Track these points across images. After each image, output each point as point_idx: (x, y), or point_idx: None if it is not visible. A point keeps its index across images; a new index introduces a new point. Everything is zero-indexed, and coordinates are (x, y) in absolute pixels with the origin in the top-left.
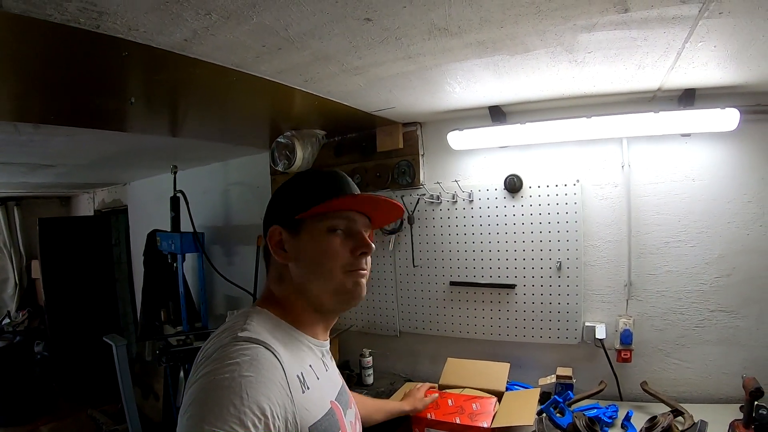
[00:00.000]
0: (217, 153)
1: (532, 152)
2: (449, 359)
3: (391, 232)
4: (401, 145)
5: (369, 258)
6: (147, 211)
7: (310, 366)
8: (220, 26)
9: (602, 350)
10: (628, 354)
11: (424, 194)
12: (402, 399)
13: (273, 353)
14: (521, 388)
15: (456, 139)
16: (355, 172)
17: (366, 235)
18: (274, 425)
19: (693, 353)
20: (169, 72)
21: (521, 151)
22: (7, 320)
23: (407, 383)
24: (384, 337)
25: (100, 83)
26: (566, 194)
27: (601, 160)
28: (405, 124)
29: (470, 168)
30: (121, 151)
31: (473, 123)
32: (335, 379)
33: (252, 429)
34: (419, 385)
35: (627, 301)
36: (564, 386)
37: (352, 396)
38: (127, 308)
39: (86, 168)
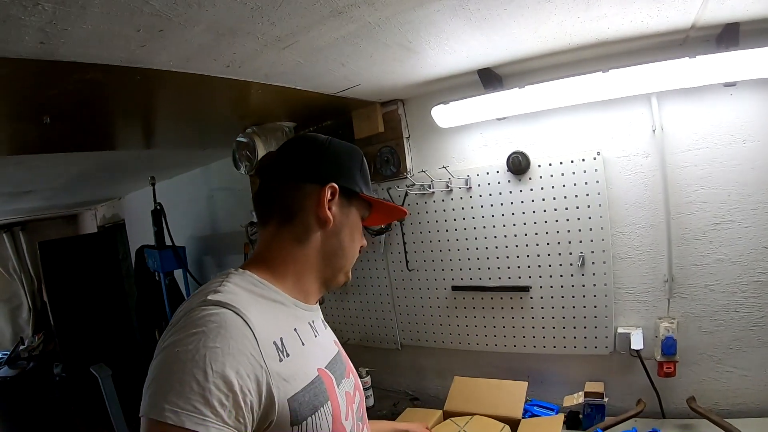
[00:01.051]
0: (196, 158)
1: (539, 123)
2: (456, 378)
3: (379, 233)
4: (382, 129)
5: None
6: (141, 224)
7: (295, 330)
8: (64, 17)
9: (639, 362)
10: (672, 367)
11: (413, 184)
12: None
13: (243, 319)
14: (543, 409)
15: (442, 114)
16: None
17: None
18: (244, 401)
19: (750, 358)
20: (63, 84)
21: (525, 123)
22: (22, 346)
23: (408, 409)
24: (385, 350)
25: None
26: (585, 171)
27: (626, 124)
28: (384, 104)
29: (466, 149)
30: (90, 169)
31: (464, 93)
32: (327, 346)
33: (218, 407)
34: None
35: (668, 300)
36: (594, 406)
37: (351, 366)
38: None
39: (66, 189)
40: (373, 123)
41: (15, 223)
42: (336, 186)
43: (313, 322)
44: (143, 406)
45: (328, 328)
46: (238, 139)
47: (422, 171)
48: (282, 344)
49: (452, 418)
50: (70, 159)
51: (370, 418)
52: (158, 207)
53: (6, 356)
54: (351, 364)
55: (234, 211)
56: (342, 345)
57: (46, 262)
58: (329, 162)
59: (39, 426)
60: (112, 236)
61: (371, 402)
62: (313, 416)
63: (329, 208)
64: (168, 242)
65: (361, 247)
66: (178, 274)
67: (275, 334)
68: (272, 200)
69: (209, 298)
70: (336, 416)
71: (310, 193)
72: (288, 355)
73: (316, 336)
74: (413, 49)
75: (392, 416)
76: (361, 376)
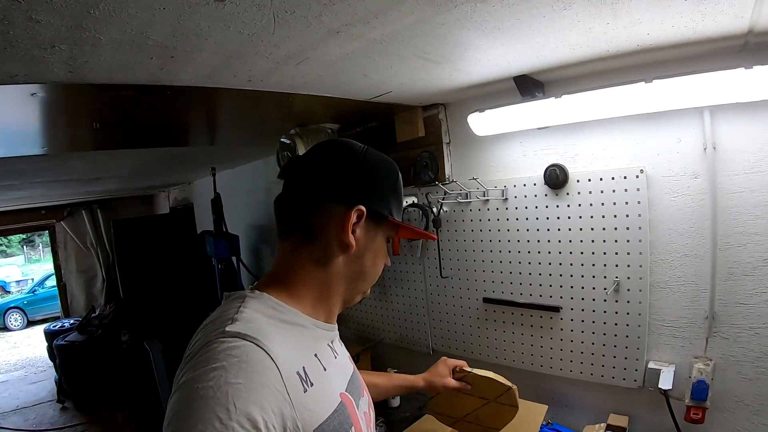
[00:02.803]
0: (255, 151)
1: (580, 134)
2: None
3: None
4: (423, 133)
5: None
6: (206, 209)
7: (316, 356)
8: (81, 54)
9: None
10: (700, 413)
11: (451, 192)
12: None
13: (265, 351)
14: None
15: (478, 122)
16: None
17: None
18: None
19: None
20: (102, 99)
21: (566, 134)
22: (93, 314)
23: (427, 415)
24: (416, 353)
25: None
26: (626, 190)
27: (673, 141)
28: (426, 107)
29: (505, 157)
30: (155, 161)
31: (501, 100)
32: (345, 365)
33: None
34: (448, 360)
35: (707, 339)
36: None
37: (363, 381)
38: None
39: (132, 177)
40: (414, 127)
41: (93, 201)
42: (363, 209)
43: (332, 342)
44: None
45: (343, 345)
46: (281, 140)
47: (453, 181)
48: (305, 373)
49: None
50: (131, 152)
51: (393, 420)
52: (216, 196)
53: (78, 322)
54: (363, 381)
55: None
56: (377, 343)
57: (118, 239)
58: (360, 179)
59: (102, 391)
60: (183, 218)
61: (397, 402)
62: None
63: (353, 232)
64: (233, 229)
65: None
66: (235, 260)
67: (298, 363)
68: (294, 215)
69: (227, 329)
70: None
71: (335, 214)
72: (312, 385)
73: (335, 357)
74: (433, 60)
75: (415, 420)
76: None
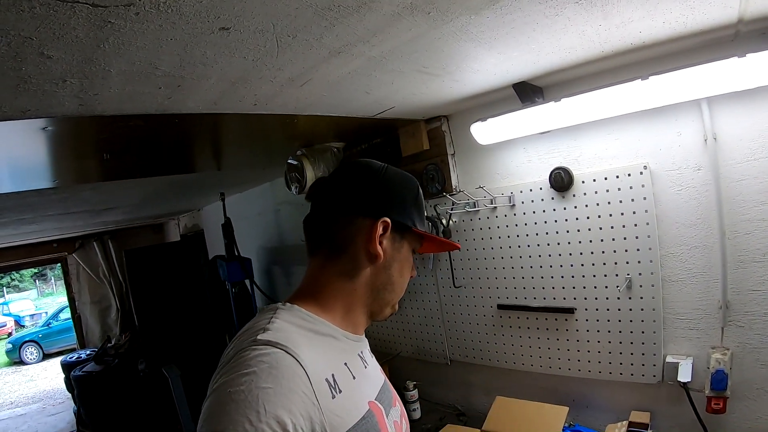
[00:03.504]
0: (262, 174)
1: (582, 136)
2: (497, 399)
3: None
4: (427, 146)
5: None
6: (216, 235)
7: (345, 364)
8: (91, 87)
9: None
10: (721, 403)
11: (458, 202)
12: None
13: (295, 358)
14: None
15: (481, 131)
16: None
17: None
18: None
19: None
20: (112, 130)
21: (568, 137)
22: (109, 344)
23: (449, 425)
24: (434, 365)
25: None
26: (631, 187)
27: (674, 134)
28: (428, 120)
29: (510, 164)
30: (164, 188)
31: (502, 108)
32: (376, 375)
33: None
34: None
35: (722, 328)
36: None
37: (395, 393)
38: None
39: (143, 205)
40: (418, 140)
41: (104, 232)
42: (388, 220)
43: (362, 352)
44: None
45: (374, 356)
46: (288, 161)
47: (477, 187)
48: (334, 380)
49: None
50: (141, 181)
51: (414, 430)
52: (227, 221)
53: (94, 353)
54: (395, 392)
55: (298, 224)
56: (395, 356)
57: (131, 269)
58: (383, 193)
59: (121, 416)
60: (193, 244)
61: (418, 414)
62: None
63: (380, 243)
64: (246, 252)
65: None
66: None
67: (327, 370)
68: (322, 231)
69: (259, 337)
70: None
71: (361, 227)
72: (340, 391)
73: (365, 367)
74: (432, 73)
75: (436, 430)
76: (407, 390)
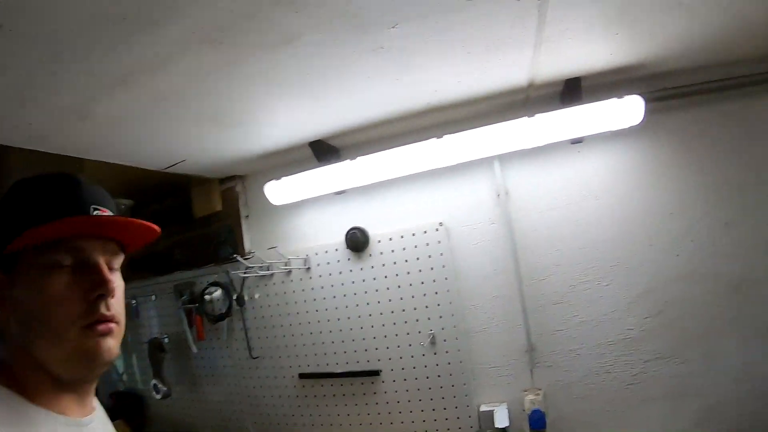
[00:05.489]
0: None
1: (378, 195)
2: None
3: (220, 318)
4: (220, 207)
5: (115, 300)
6: None
7: None
8: None
9: None
10: None
11: (252, 266)
12: None
13: None
14: None
15: (275, 191)
16: (174, 247)
17: (106, 268)
18: None
19: (632, 419)
20: None
21: (364, 196)
22: None
23: None
24: None
25: None
26: (428, 244)
27: (468, 192)
28: (223, 181)
29: (305, 226)
30: None
31: (299, 167)
32: None
33: None
34: None
35: (531, 370)
36: None
37: None
38: None
39: None
40: (211, 201)
41: None
42: None
43: None
44: None
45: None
46: None
47: (268, 249)
48: None
49: None
50: None
51: None
52: None
53: None
54: None
55: None
56: None
57: None
58: None
59: None
60: None
61: None
62: None
63: None
64: None
65: (97, 294)
66: None
67: None
68: None
69: None
70: None
71: None
72: None
73: None
74: (224, 123)
75: None
76: None
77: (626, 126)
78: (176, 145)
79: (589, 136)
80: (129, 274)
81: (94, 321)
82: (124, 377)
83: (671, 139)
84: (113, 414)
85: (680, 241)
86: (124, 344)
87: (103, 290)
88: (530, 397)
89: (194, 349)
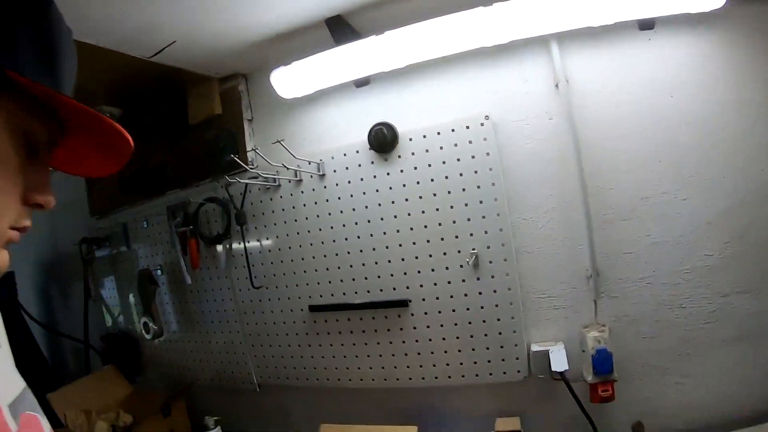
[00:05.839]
0: None
1: (408, 83)
2: (323, 427)
3: (217, 240)
4: (220, 111)
5: None
6: None
7: None
8: None
9: (566, 387)
10: (609, 389)
11: (256, 176)
12: None
13: None
14: None
15: (283, 80)
16: (168, 163)
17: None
18: None
19: (704, 363)
20: None
21: (391, 87)
22: None
23: None
24: (240, 392)
25: None
26: (471, 142)
27: (520, 79)
28: (223, 80)
29: (320, 126)
30: None
31: (312, 51)
32: None
33: None
34: None
35: (595, 301)
36: None
37: None
38: None
39: None
40: (209, 103)
41: None
42: None
43: None
44: None
45: None
46: None
47: (254, 163)
48: None
49: None
50: None
51: None
52: None
53: None
54: None
55: (76, 227)
56: (188, 386)
57: None
58: None
59: None
60: None
61: None
62: None
63: None
64: None
65: (39, 202)
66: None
67: None
68: None
69: None
70: None
71: None
72: None
73: None
74: None
75: None
76: (208, 428)
77: (707, 9)
78: (164, 20)
79: (663, 18)
80: (119, 198)
81: (19, 226)
82: (120, 318)
83: (761, 28)
84: (105, 359)
85: (766, 153)
86: (119, 281)
87: (46, 201)
88: (594, 334)
89: (188, 280)
